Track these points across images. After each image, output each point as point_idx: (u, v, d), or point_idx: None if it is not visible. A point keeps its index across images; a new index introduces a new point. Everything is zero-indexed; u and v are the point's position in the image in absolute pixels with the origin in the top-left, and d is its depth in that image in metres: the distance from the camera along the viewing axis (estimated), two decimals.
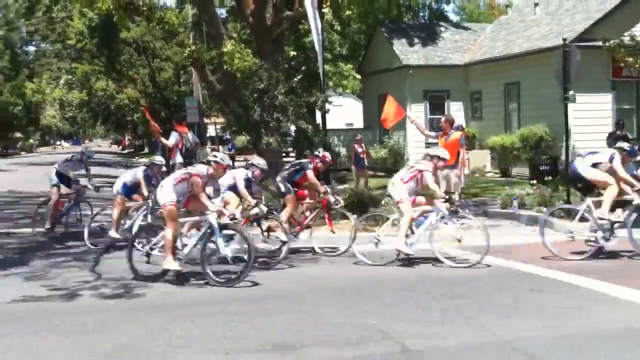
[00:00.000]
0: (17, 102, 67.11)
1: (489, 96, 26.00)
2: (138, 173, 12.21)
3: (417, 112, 25.00)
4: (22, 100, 67.37)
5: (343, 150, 27.18)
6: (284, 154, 17.99)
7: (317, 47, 16.95)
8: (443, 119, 14.09)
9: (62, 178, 13.41)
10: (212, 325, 6.94)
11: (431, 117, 25.93)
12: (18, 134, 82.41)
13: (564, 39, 16.98)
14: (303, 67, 24.54)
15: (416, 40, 28.22)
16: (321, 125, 17.68)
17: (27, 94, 65.75)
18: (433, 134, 15.28)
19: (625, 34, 19.96)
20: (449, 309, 7.42)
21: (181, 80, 45.12)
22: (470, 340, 6.33)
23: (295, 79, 18.80)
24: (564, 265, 9.57)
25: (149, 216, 11.49)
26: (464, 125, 18.72)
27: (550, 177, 18.33)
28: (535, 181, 16.42)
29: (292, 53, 25.20)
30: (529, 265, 9.68)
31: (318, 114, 19.47)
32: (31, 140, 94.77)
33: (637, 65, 18.61)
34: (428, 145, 21.70)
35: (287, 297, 8.26)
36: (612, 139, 14.92)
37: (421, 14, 40.84)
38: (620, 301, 7.72)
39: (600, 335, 6.46)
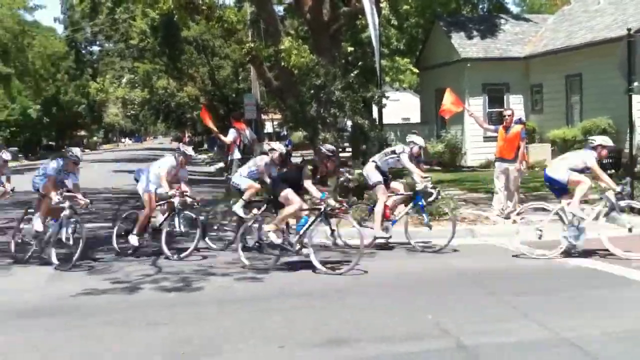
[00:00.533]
0: (82, 101, 69.20)
1: (549, 89, 25.46)
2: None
3: (476, 105, 24.67)
4: (86, 99, 69.39)
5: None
6: (340, 150, 17.98)
7: (374, 42, 16.93)
8: (509, 112, 13.87)
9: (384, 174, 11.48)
10: (267, 319, 7.01)
11: (490, 110, 25.57)
12: (82, 132, 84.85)
13: (629, 29, 16.48)
14: (360, 63, 24.51)
15: (475, 33, 27.83)
16: (377, 121, 17.64)
17: (90, 93, 67.58)
18: (492, 127, 15.08)
19: None
20: (506, 304, 7.33)
21: (239, 77, 45.60)
22: (527, 336, 6.26)
23: (352, 75, 18.80)
24: (623, 261, 9.32)
25: None
26: (524, 119, 18.40)
27: (613, 171, 17.81)
28: None
29: (350, 49, 25.19)
30: (588, 260, 9.47)
31: (375, 109, 19.43)
32: (95, 138, 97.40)
33: None
34: (486, 139, 21.48)
35: (342, 291, 8.28)
36: None
37: (480, 6, 40.25)
38: None
39: None
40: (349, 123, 17.12)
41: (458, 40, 27.31)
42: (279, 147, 11.53)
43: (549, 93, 25.49)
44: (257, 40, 22.39)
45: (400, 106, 37.98)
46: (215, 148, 28.39)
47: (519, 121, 14.17)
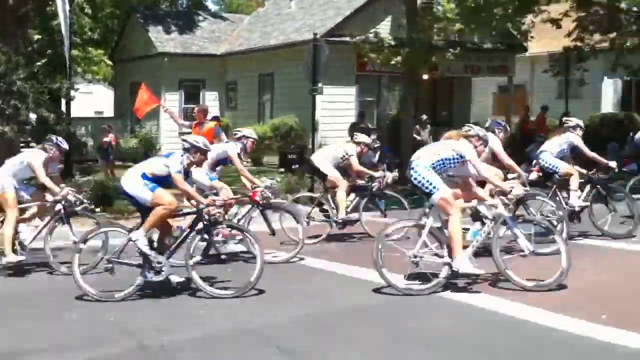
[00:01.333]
0: None
1: (244, 87, 26.30)
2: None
3: (172, 101, 24.60)
4: None
5: (90, 140, 25.93)
6: (22, 144, 16.66)
7: (63, 30, 16.12)
8: (196, 109, 13.92)
9: None
10: None
11: (185, 106, 25.64)
12: None
13: (315, 34, 17.64)
14: (48, 51, 22.98)
15: (173, 28, 27.73)
16: (65, 114, 16.74)
17: None
18: (187, 123, 15.04)
19: (371, 31, 21.20)
20: (198, 301, 7.29)
21: None
22: (212, 330, 6.32)
23: (38, 64, 17.58)
24: (305, 249, 9.65)
25: None
26: (219, 115, 18.75)
27: (297, 166, 18.89)
28: (284, 170, 16.85)
29: (37, 36, 23.46)
30: (270, 251, 9.69)
31: (64, 102, 18.41)
32: None
33: (378, 61, 19.79)
34: (182, 134, 21.47)
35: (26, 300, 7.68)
36: (354, 130, 15.81)
37: (180, 1, 40.29)
38: (357, 281, 8.18)
39: (334, 314, 6.77)
40: (33, 116, 15.95)
41: (155, 34, 27.00)
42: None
43: (243, 91, 26.32)
44: None
45: (94, 99, 36.61)
46: None
47: (214, 118, 14.36)
